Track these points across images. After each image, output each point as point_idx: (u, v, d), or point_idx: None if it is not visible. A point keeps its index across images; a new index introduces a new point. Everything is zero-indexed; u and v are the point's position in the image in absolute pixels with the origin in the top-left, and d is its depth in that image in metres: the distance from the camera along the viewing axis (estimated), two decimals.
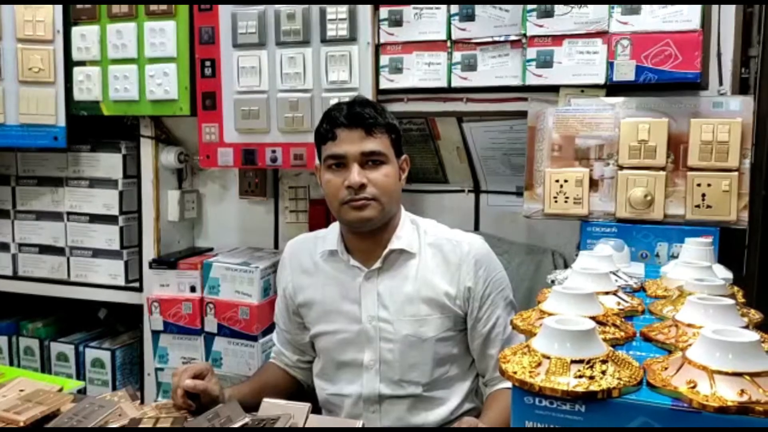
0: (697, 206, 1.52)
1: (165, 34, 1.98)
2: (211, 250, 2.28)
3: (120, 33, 2.03)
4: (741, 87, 1.63)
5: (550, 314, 0.91)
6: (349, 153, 1.44)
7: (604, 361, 0.73)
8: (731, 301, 0.87)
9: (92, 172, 2.24)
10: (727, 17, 1.54)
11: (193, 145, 2.17)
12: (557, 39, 1.64)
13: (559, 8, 1.62)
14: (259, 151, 1.95)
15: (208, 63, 1.96)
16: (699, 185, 1.52)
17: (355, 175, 1.43)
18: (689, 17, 1.51)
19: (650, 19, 1.54)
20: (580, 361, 0.72)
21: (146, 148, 2.18)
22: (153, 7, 1.99)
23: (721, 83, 1.55)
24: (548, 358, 0.74)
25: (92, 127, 2.21)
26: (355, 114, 1.44)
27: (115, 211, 2.21)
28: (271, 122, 1.92)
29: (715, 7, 1.54)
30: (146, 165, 2.19)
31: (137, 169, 2.21)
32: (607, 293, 1.07)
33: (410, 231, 1.54)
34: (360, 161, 1.44)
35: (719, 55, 1.55)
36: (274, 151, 1.93)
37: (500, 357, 0.80)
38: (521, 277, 1.89)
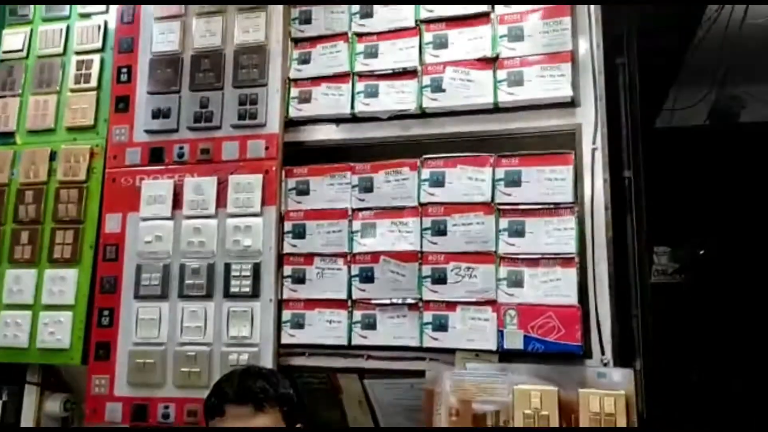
0: None
1: (65, 282, 1.96)
2: None
3: (18, 278, 2.00)
4: (626, 350, 1.71)
5: None
6: None
7: None
8: None
9: None
10: (603, 291, 1.66)
11: (83, 392, 2.04)
12: (451, 305, 1.72)
13: (450, 276, 1.72)
14: (150, 406, 1.85)
15: (106, 312, 1.92)
16: None
17: None
18: (567, 293, 1.63)
19: (533, 292, 1.65)
20: None
21: (30, 395, 2.03)
22: (56, 255, 1.98)
23: (603, 353, 1.63)
24: None
25: None
26: (245, 389, 1.41)
27: None
28: (166, 376, 1.85)
29: (590, 282, 1.66)
30: (27, 414, 2.03)
31: (16, 417, 2.04)
32: None
33: None
34: None
35: (598, 325, 1.64)
36: (166, 407, 1.84)
37: None
38: None
